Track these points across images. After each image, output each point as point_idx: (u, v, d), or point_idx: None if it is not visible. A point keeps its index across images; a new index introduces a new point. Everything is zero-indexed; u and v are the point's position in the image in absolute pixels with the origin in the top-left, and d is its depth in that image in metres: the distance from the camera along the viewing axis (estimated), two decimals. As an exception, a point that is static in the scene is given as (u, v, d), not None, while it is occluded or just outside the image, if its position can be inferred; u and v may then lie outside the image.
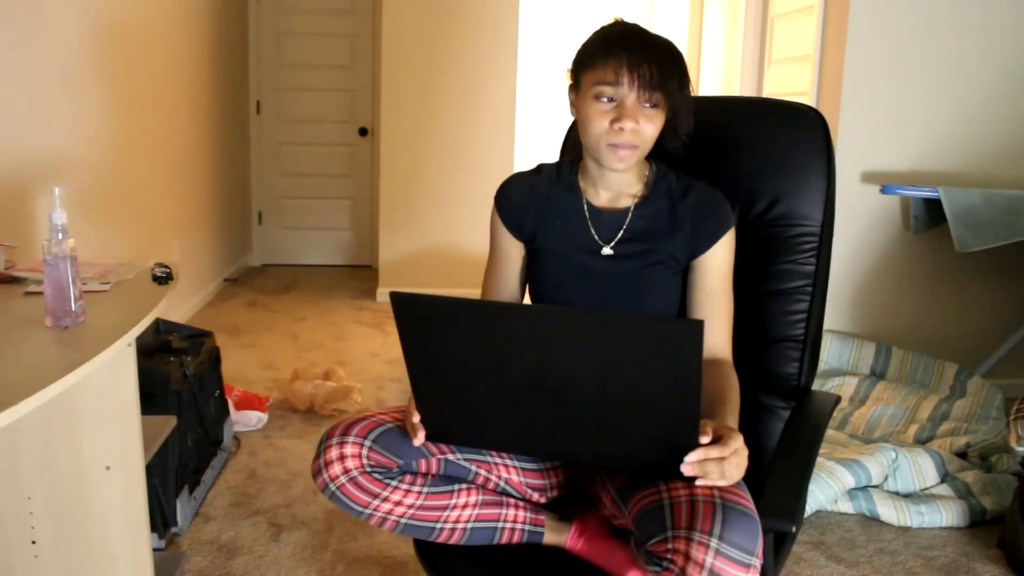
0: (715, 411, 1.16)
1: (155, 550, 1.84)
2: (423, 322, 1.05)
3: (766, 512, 1.04)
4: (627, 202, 1.33)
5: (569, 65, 1.30)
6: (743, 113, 1.54)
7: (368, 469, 1.15)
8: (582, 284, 1.31)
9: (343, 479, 1.14)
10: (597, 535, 1.23)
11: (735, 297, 1.32)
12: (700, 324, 0.94)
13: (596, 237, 1.32)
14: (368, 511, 1.16)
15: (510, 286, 1.39)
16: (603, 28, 1.27)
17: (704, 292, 1.29)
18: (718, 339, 1.28)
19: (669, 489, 1.04)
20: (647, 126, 1.23)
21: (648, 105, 1.22)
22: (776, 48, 3.86)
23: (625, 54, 1.21)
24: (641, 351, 0.98)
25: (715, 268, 1.29)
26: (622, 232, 1.31)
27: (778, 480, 1.14)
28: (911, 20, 2.99)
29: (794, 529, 1.06)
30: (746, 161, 1.45)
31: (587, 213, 1.33)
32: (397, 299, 1.02)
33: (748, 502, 1.01)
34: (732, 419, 1.16)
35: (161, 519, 2.00)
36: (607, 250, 1.31)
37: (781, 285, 1.41)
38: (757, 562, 0.97)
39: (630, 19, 1.28)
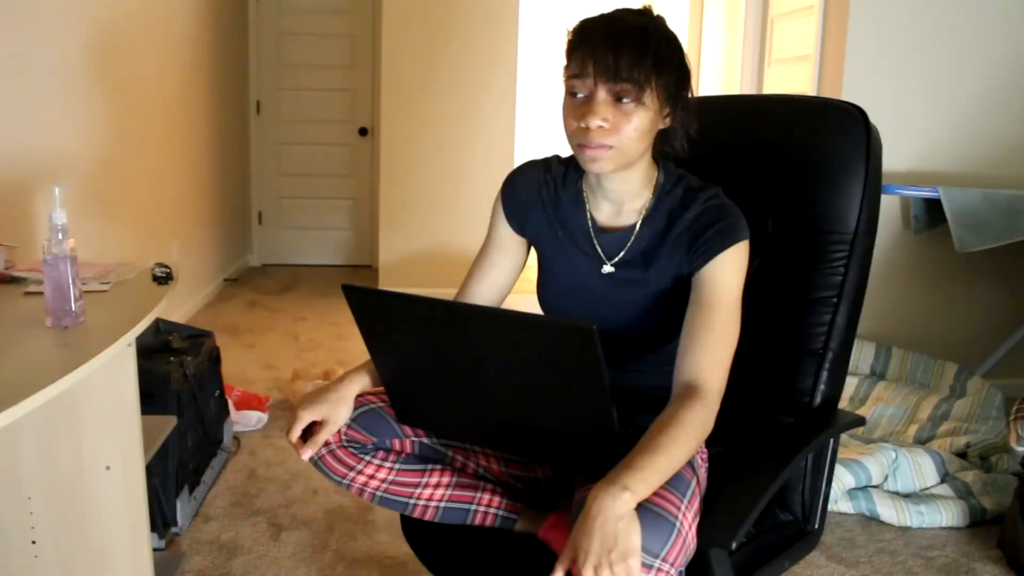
0: (638, 448, 1.02)
1: (155, 550, 1.84)
2: (372, 313, 1.12)
3: (705, 525, 1.04)
4: (631, 218, 1.24)
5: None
6: (775, 112, 1.46)
7: (345, 444, 1.22)
8: (582, 303, 1.27)
9: (323, 451, 1.21)
10: (567, 527, 1.17)
11: (754, 307, 1.21)
12: (591, 327, 0.92)
13: (599, 252, 1.25)
14: (346, 481, 1.22)
15: (495, 276, 1.34)
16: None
17: (696, 308, 1.15)
18: (700, 362, 1.11)
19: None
20: (622, 123, 1.11)
21: (623, 99, 1.11)
22: (776, 48, 3.86)
23: (589, 43, 1.11)
24: (541, 352, 1.00)
25: (711, 285, 1.15)
26: (624, 253, 1.24)
27: (729, 498, 1.07)
28: (911, 20, 2.99)
29: (734, 547, 1.01)
30: (776, 162, 1.36)
31: (591, 230, 1.26)
32: (348, 291, 1.08)
33: (669, 504, 0.99)
34: (648, 470, 0.98)
35: (161, 519, 2.00)
36: (607, 267, 1.24)
37: (802, 295, 1.31)
38: (665, 566, 0.95)
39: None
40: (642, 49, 1.10)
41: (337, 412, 1.20)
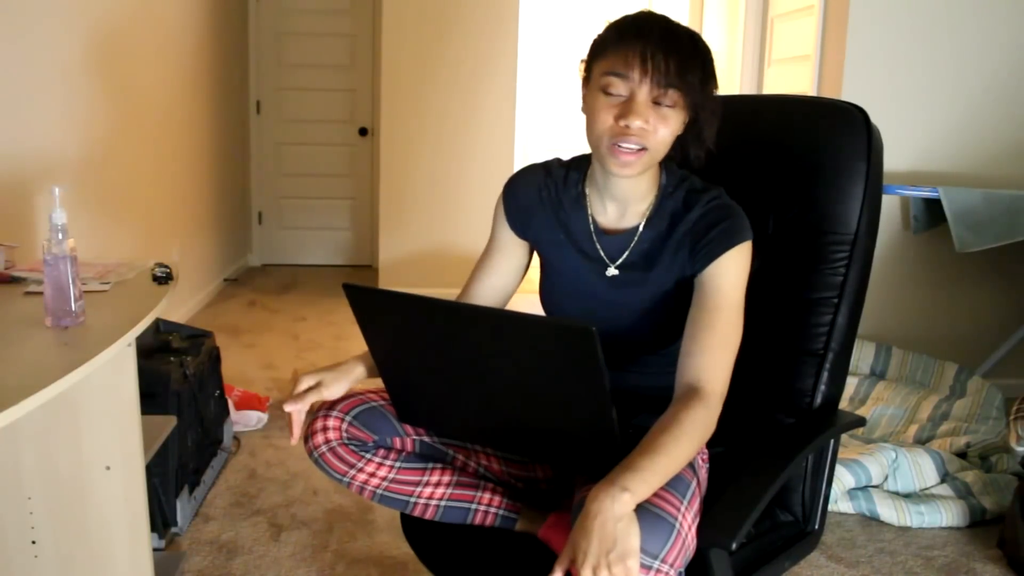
0: (638, 449, 1.02)
1: (155, 550, 1.84)
2: (373, 312, 1.12)
3: (705, 525, 1.04)
4: (634, 220, 1.23)
5: (584, 56, 1.20)
6: (775, 112, 1.47)
7: (346, 441, 1.22)
8: (584, 305, 1.27)
9: (324, 448, 1.21)
10: (567, 527, 1.16)
11: (755, 308, 1.20)
12: (591, 328, 0.92)
13: (601, 255, 1.25)
14: (347, 479, 1.23)
15: (497, 279, 1.34)
16: (623, 16, 1.16)
17: (698, 310, 1.14)
18: (702, 364, 1.11)
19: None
20: (660, 127, 1.11)
21: (663, 103, 1.10)
22: (776, 48, 3.86)
23: (640, 42, 1.09)
24: (541, 352, 1.00)
25: (713, 286, 1.14)
26: (626, 255, 1.24)
27: (729, 499, 1.08)
28: (911, 20, 2.99)
29: (734, 547, 1.00)
30: (777, 163, 1.37)
31: (592, 233, 1.26)
32: (349, 289, 1.08)
33: (668, 505, 0.99)
34: (648, 471, 0.98)
35: (161, 519, 2.00)
36: (611, 270, 1.24)
37: (802, 295, 1.32)
38: (664, 567, 0.96)
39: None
40: (694, 56, 1.10)
41: (336, 382, 1.22)
